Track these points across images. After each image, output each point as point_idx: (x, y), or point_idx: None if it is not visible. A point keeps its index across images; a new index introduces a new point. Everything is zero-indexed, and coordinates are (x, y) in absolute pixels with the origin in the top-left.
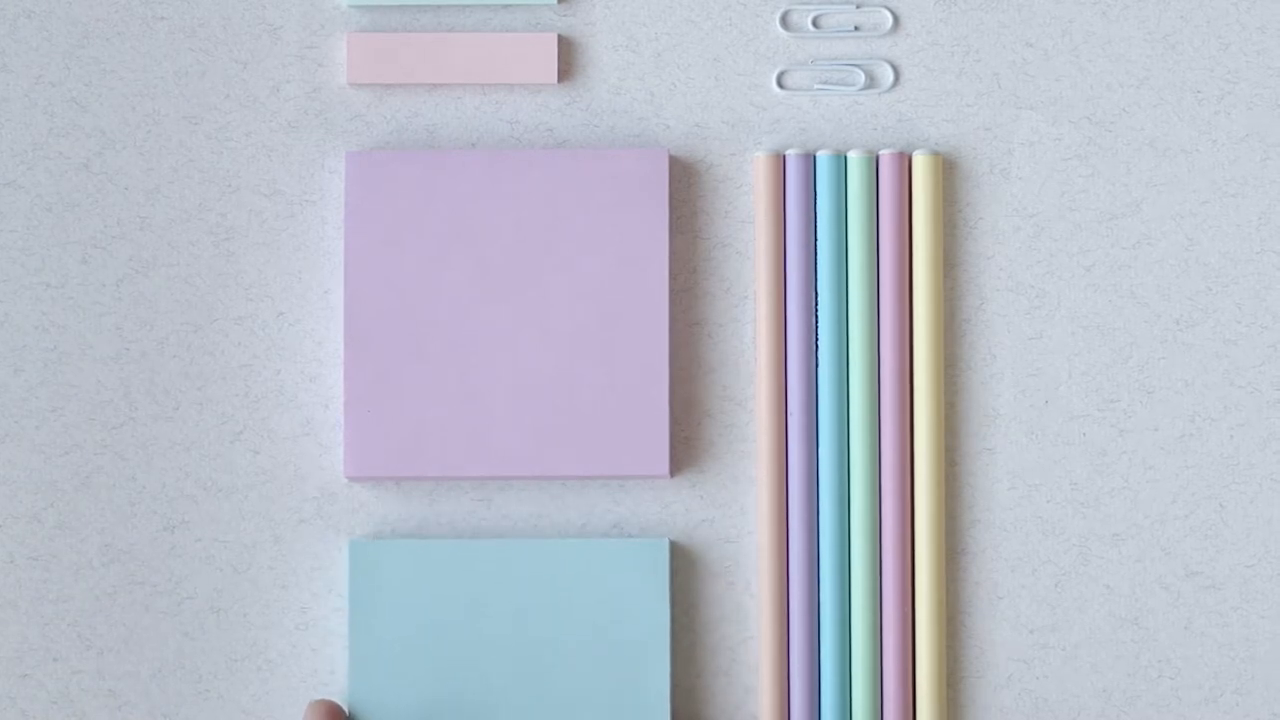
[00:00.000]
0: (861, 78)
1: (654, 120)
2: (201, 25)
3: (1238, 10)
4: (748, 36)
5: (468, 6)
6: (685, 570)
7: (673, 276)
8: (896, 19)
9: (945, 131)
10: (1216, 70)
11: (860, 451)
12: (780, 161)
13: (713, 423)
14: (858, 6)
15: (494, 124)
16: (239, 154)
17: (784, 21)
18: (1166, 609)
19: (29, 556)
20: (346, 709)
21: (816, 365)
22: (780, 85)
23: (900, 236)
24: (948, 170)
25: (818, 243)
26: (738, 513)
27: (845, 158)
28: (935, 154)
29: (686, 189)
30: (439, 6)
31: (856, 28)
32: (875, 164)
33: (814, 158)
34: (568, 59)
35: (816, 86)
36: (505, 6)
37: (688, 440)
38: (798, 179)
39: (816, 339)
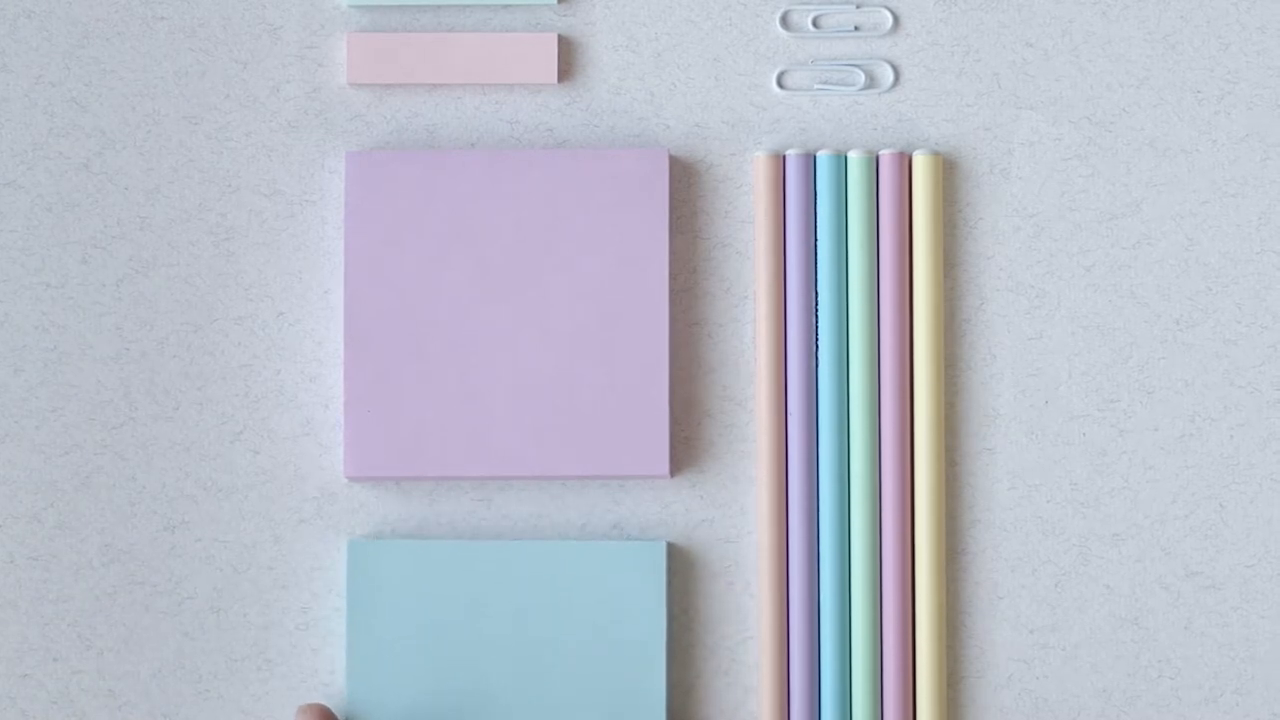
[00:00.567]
0: (861, 78)
1: (654, 120)
2: (201, 25)
3: (1238, 10)
4: (748, 36)
5: (468, 6)
6: (685, 570)
7: (673, 276)
8: (896, 19)
9: (945, 131)
10: (1216, 70)
11: (860, 452)
12: (780, 161)
13: (713, 423)
14: (858, 6)
15: (494, 124)
16: (239, 154)
17: (784, 21)
18: (1166, 609)
19: (29, 556)
20: (345, 709)
21: (816, 365)
22: (780, 85)
23: (900, 236)
24: (948, 170)
25: (818, 243)
26: (738, 513)
27: (845, 158)
28: (935, 154)
29: (686, 189)
30: (439, 6)
31: (856, 28)
32: (875, 164)
33: (814, 158)
34: (568, 59)
35: (816, 86)
36: (505, 6)
37: (688, 440)
38: (798, 179)
39: (816, 339)
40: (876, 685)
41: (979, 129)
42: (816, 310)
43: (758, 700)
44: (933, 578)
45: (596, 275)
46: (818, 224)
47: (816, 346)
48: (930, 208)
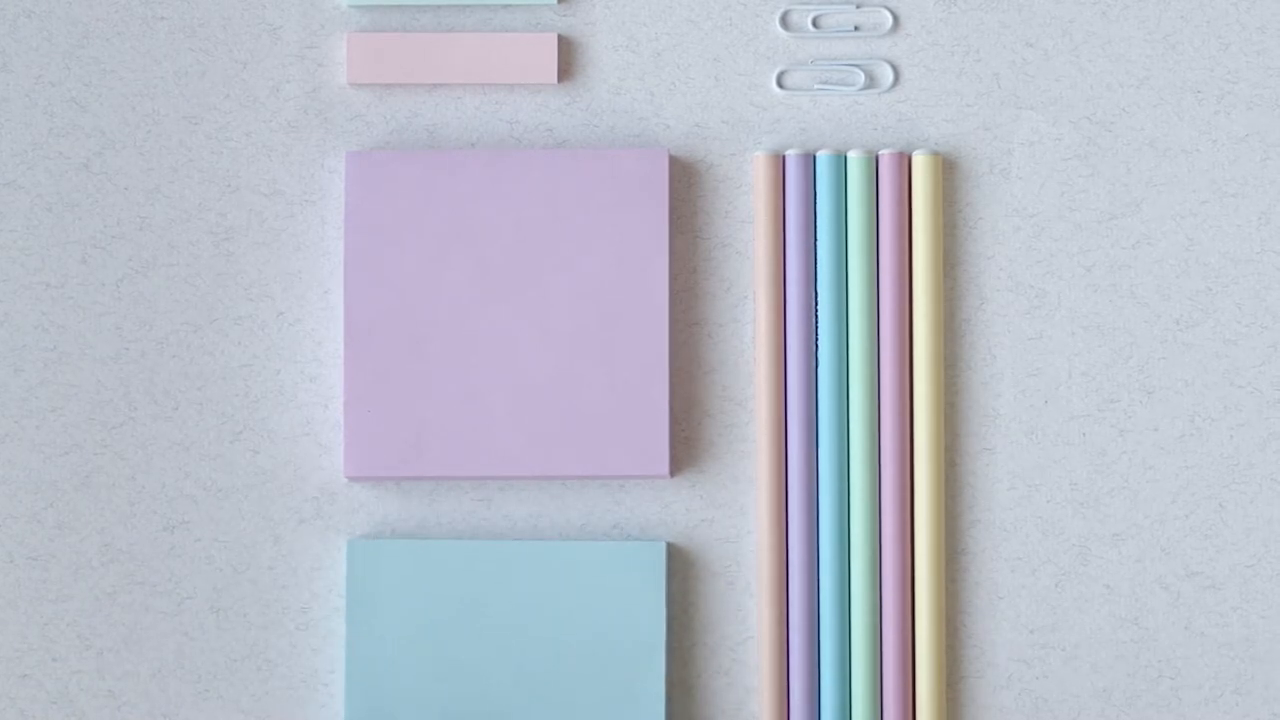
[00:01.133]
0: (861, 78)
1: (654, 120)
2: (201, 25)
3: (1238, 10)
4: (748, 36)
5: (468, 6)
6: (685, 570)
7: (673, 276)
8: (896, 19)
9: (945, 131)
10: (1216, 70)
11: (860, 451)
12: (780, 161)
13: (712, 423)
14: (858, 6)
15: (494, 124)
16: (239, 154)
17: (784, 21)
18: (1166, 609)
19: (29, 556)
20: (345, 709)
21: (816, 365)
22: (780, 85)
23: (900, 236)
24: (948, 170)
25: (817, 243)
26: (738, 513)
27: (845, 158)
28: (935, 154)
29: (686, 189)
30: (439, 6)
31: (856, 28)
32: (875, 164)
33: (814, 158)
34: (568, 59)
35: (816, 86)
36: (505, 6)
37: (687, 440)
38: (798, 179)
39: (816, 339)
40: (876, 685)
41: (979, 129)
42: (816, 310)
43: (758, 700)
44: (932, 578)
45: (596, 275)
46: (817, 224)
47: (816, 346)
48: (930, 208)
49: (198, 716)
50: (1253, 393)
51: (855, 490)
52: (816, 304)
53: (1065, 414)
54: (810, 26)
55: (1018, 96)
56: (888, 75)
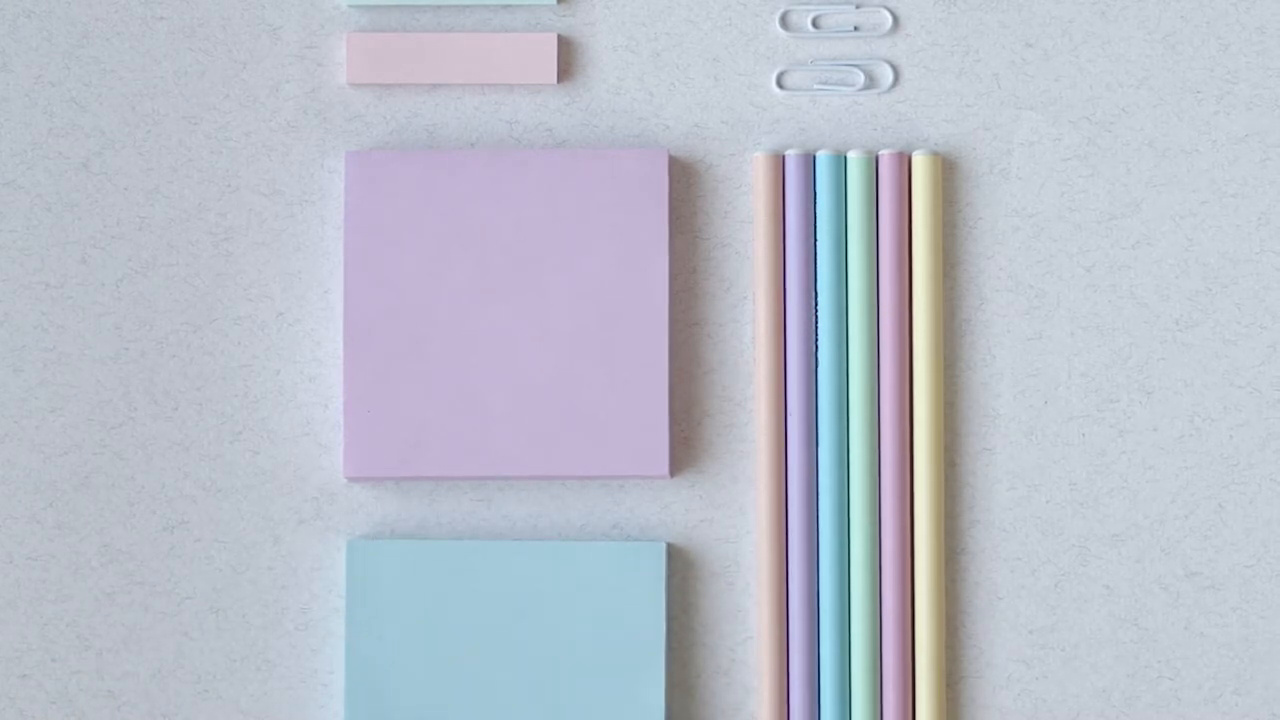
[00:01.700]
0: (861, 78)
1: (654, 120)
2: (201, 25)
3: (1238, 10)
4: (747, 36)
5: (468, 6)
6: (685, 570)
7: (673, 277)
8: (896, 19)
9: (945, 131)
10: (1216, 70)
11: (860, 452)
12: (780, 162)
13: (712, 423)
14: (857, 7)
15: (494, 124)
16: (239, 154)
17: (784, 22)
18: (1166, 609)
19: (29, 556)
20: (345, 710)
21: (816, 365)
22: (780, 85)
23: (900, 237)
24: (948, 170)
25: (817, 243)
26: (737, 513)
27: (845, 158)
28: (935, 154)
29: (686, 189)
30: (439, 6)
31: (856, 28)
32: (875, 164)
33: (814, 158)
34: (567, 59)
35: (816, 87)
36: (505, 6)
37: (687, 440)
38: (797, 179)
39: (816, 339)
40: (876, 685)
41: (979, 129)
42: (816, 310)
43: (757, 700)
44: (932, 578)
45: (596, 275)
46: (817, 224)
47: (816, 347)
48: (930, 208)
49: (197, 717)
50: (1253, 393)
51: (855, 490)
52: (816, 304)
53: (1065, 414)
54: (810, 27)
55: (1018, 97)
56: (887, 75)
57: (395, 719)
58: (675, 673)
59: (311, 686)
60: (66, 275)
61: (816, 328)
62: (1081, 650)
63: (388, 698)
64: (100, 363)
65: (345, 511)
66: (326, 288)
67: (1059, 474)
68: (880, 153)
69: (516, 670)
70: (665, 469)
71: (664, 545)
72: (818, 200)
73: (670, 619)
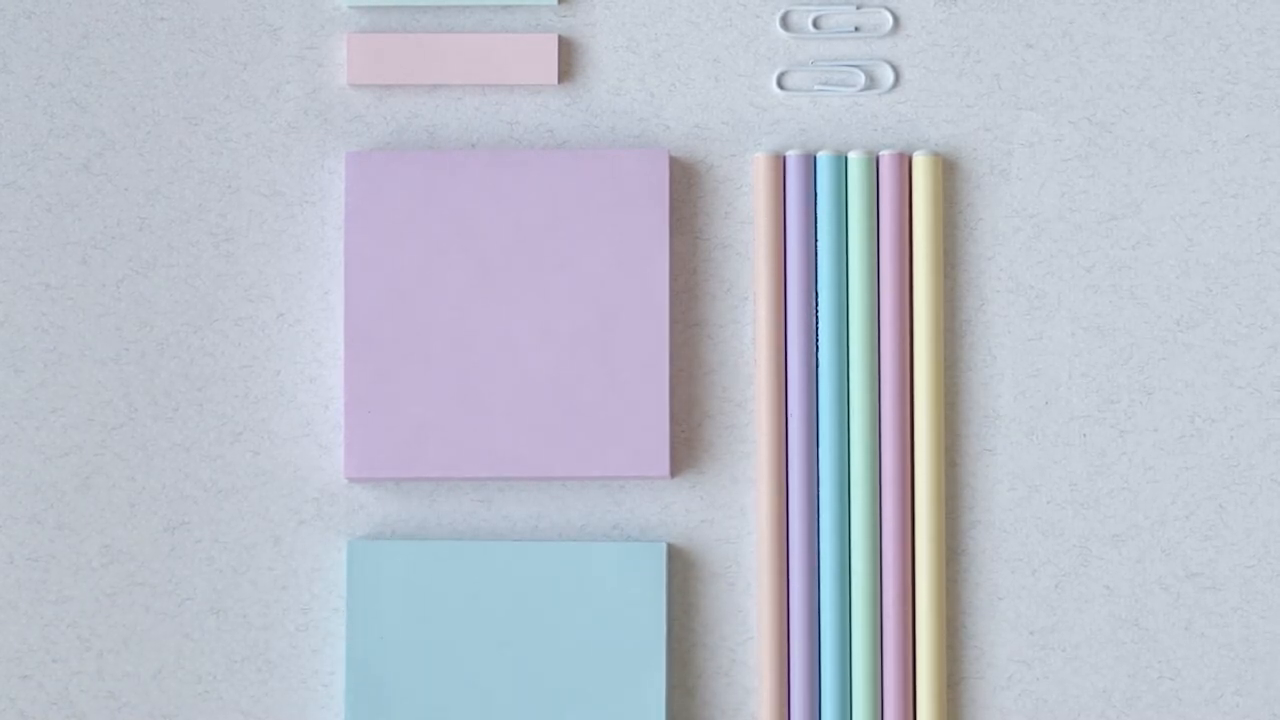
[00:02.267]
0: (862, 78)
1: (654, 121)
2: (201, 25)
3: (1238, 10)
4: (748, 37)
5: (468, 6)
6: (685, 571)
7: (673, 277)
8: (897, 20)
9: (945, 132)
10: (1216, 70)
11: (860, 452)
12: (780, 162)
13: (712, 423)
14: (858, 7)
15: (494, 124)
16: (239, 154)
17: (784, 22)
18: (1167, 610)
19: (29, 557)
20: (345, 710)
21: (816, 366)
22: (780, 86)
23: (900, 237)
24: (948, 171)
25: (818, 244)
26: (738, 514)
27: (845, 158)
28: (935, 155)
29: (687, 190)
30: (439, 7)
31: (857, 28)
32: (875, 165)
33: (814, 158)
34: (568, 59)
35: (817, 87)
36: (505, 7)
37: (688, 441)
38: (798, 180)
39: (816, 340)
40: (876, 686)
41: (979, 130)
42: (817, 311)
43: (758, 701)
44: (933, 579)
45: (596, 276)
46: (818, 225)
47: (816, 347)
48: (930, 208)
49: (198, 717)
50: (1253, 393)
51: (855, 491)
52: (817, 305)
53: (1065, 415)
54: (810, 27)
55: (1018, 97)
56: (888, 76)
57: (396, 719)
58: (676, 673)
59: (312, 687)
60: (67, 276)
61: (817, 328)
62: (1082, 651)
63: (388, 698)
64: (101, 363)
65: (346, 512)
66: (327, 288)
67: (1059, 474)
68: (881, 153)
69: (517, 671)
70: (666, 469)
71: (664, 546)
72: (818, 201)
73: (671, 620)
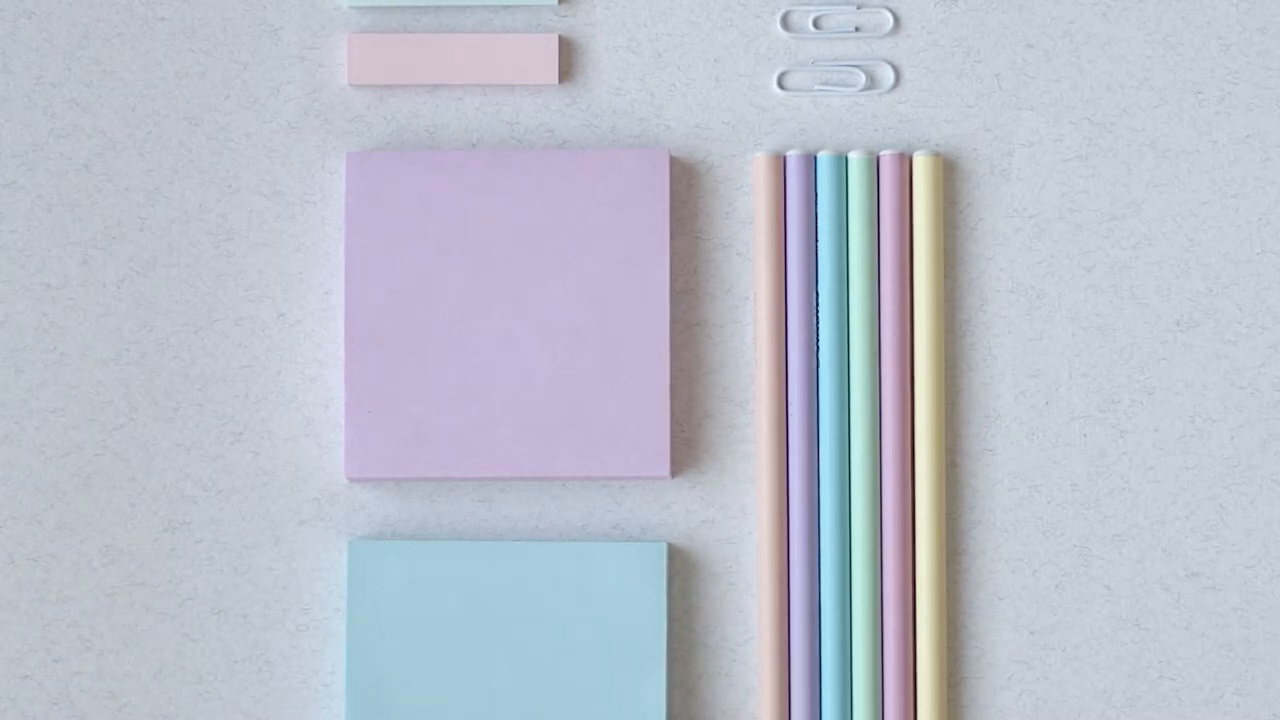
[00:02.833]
0: (862, 78)
1: (654, 121)
2: (201, 26)
3: (1238, 10)
4: (748, 37)
5: (468, 7)
6: (686, 571)
7: (673, 277)
8: (897, 20)
9: (946, 132)
10: (1216, 70)
11: (861, 452)
12: (781, 162)
13: (713, 423)
14: (858, 7)
15: (494, 124)
16: (239, 154)
17: (784, 22)
18: (1167, 610)
19: (29, 557)
20: (345, 710)
21: (817, 366)
22: (781, 86)
23: (901, 237)
24: (948, 171)
25: (818, 244)
26: (738, 514)
27: (846, 158)
28: (936, 155)
29: (687, 190)
30: (439, 7)
31: (857, 28)
32: (876, 165)
33: (815, 158)
34: (568, 59)
35: (817, 87)
36: (505, 7)
37: (688, 441)
38: (798, 180)
39: (817, 340)
40: (877, 686)
41: (979, 130)
42: (817, 311)
43: (758, 701)
44: (933, 579)
45: (596, 276)
46: (818, 225)
47: (817, 347)
48: (931, 208)
49: (198, 717)
50: (1253, 393)
51: (856, 491)
52: (817, 305)
53: (1066, 415)
54: (811, 27)
55: (1018, 97)
56: (888, 76)
57: (396, 719)
58: (676, 673)
59: (312, 687)
60: (67, 276)
61: (817, 328)
62: (1082, 651)
63: (389, 698)
64: (101, 363)
65: (346, 512)
66: (327, 288)
67: (1060, 474)
68: (881, 153)
69: (517, 671)
70: (666, 470)
71: (665, 546)
72: (819, 201)
73: (671, 620)
